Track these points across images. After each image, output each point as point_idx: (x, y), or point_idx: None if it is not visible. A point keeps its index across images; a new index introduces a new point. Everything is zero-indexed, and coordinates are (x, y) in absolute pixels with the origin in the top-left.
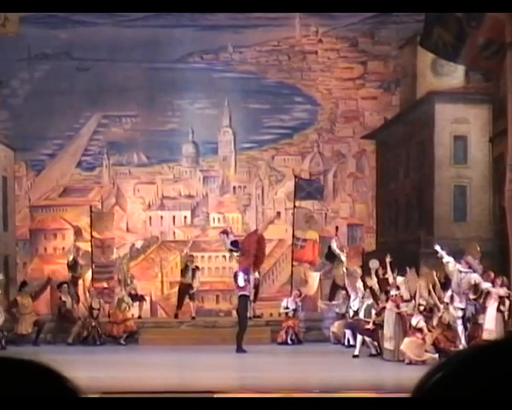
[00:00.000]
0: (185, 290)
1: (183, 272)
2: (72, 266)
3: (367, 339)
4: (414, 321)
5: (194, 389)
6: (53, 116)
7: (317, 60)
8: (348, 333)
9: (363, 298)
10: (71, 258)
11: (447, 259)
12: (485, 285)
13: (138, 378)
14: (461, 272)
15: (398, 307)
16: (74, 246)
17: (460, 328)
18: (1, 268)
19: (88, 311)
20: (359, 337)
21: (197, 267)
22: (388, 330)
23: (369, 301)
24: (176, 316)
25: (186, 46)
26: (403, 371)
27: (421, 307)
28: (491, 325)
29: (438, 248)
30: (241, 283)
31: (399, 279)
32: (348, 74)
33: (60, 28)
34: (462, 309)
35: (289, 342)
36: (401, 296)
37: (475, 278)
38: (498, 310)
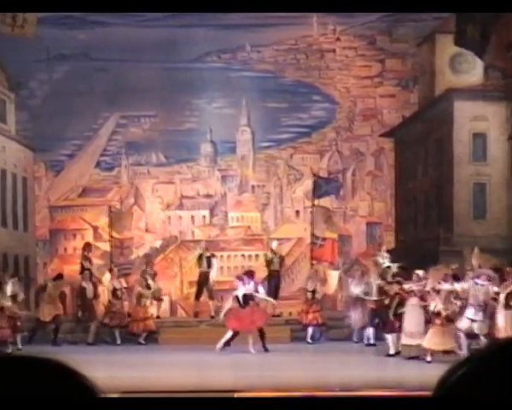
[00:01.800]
0: (203, 280)
1: (199, 261)
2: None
3: (389, 337)
4: (432, 306)
5: (214, 388)
6: (71, 117)
7: (335, 58)
8: (371, 331)
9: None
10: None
11: (465, 284)
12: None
13: (158, 378)
14: (477, 284)
15: (422, 300)
16: (83, 256)
17: (464, 342)
18: (21, 269)
19: (111, 293)
20: (389, 337)
21: (213, 255)
22: (410, 326)
23: (379, 281)
24: (196, 315)
25: (204, 46)
26: (424, 369)
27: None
28: (500, 323)
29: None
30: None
31: (421, 272)
32: (366, 72)
33: (78, 29)
34: (472, 320)
35: (309, 341)
36: (427, 291)
37: (494, 290)
38: (507, 307)
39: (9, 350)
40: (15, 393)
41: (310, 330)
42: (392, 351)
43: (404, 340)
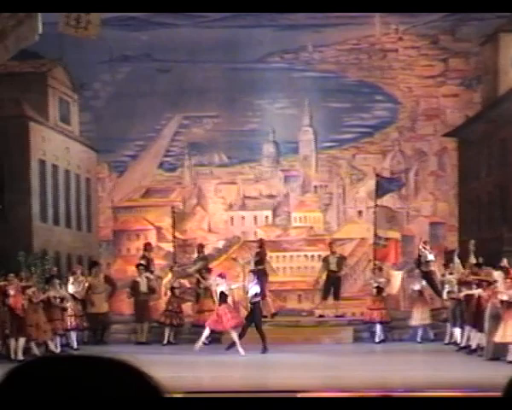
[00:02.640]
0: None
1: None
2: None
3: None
4: (504, 297)
5: (277, 388)
6: (134, 118)
7: (398, 58)
8: (457, 331)
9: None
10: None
11: None
12: None
13: (221, 377)
14: None
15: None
16: (143, 256)
17: None
18: (85, 269)
19: (170, 290)
20: (475, 333)
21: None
22: (488, 326)
23: (450, 277)
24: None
25: (266, 46)
26: (499, 370)
27: None
28: None
29: None
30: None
31: (496, 273)
32: (429, 72)
33: (140, 30)
34: None
35: (377, 340)
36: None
37: None
38: None
39: (57, 344)
40: (83, 392)
41: (378, 328)
42: (474, 346)
43: (483, 339)
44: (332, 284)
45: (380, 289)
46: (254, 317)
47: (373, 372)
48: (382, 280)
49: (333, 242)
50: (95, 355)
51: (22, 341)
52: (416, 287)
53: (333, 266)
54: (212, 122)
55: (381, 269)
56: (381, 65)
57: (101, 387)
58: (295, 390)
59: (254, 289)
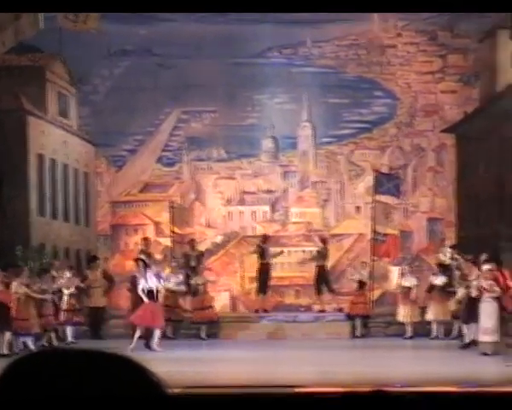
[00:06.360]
0: (264, 271)
1: (258, 253)
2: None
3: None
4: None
5: (275, 383)
6: (133, 112)
7: (396, 54)
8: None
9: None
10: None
11: None
12: None
13: (219, 373)
14: None
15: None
16: (141, 251)
17: None
18: (83, 263)
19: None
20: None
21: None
22: (487, 321)
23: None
24: (257, 311)
25: (265, 41)
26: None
27: None
28: None
29: None
30: None
31: (490, 266)
32: (427, 68)
33: (140, 24)
34: None
35: (357, 335)
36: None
37: None
38: None
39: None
40: (85, 387)
41: (358, 323)
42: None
43: (483, 337)
44: (320, 278)
45: (361, 284)
46: None
47: (368, 367)
48: (363, 276)
49: (314, 236)
50: (97, 350)
51: (8, 335)
52: (406, 283)
53: (320, 261)
54: (211, 117)
55: (364, 263)
56: (379, 61)
57: (104, 382)
58: (293, 385)
59: None
